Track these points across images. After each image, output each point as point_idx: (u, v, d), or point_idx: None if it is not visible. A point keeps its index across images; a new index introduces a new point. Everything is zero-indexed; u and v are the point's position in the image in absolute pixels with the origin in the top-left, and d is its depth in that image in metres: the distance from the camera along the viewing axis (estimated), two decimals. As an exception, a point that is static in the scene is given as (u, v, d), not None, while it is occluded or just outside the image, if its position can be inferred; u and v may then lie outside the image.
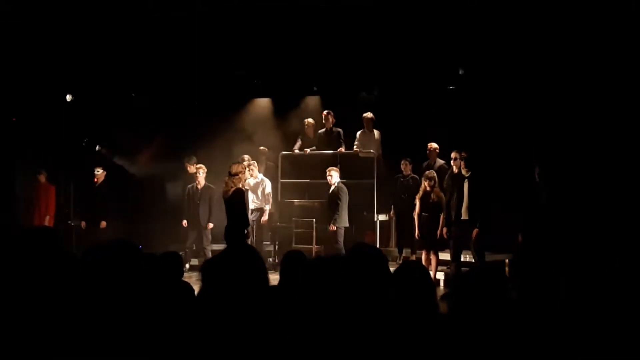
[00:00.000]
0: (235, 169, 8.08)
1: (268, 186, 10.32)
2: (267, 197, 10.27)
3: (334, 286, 2.70)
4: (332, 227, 9.40)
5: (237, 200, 7.92)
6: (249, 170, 10.12)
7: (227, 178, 8.09)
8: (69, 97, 11.30)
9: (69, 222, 10.94)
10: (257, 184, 10.26)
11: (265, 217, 10.23)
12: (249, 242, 9.54)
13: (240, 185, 8.07)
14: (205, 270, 2.31)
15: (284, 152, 11.12)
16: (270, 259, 10.17)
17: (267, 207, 10.26)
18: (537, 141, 9.13)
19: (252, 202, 10.14)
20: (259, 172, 10.93)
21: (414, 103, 10.63)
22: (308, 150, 10.78)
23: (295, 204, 10.65)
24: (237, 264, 2.27)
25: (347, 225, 9.58)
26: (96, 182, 10.53)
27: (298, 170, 10.88)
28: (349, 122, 10.97)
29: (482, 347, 2.39)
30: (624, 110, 8.64)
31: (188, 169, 10.88)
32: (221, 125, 11.89)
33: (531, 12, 8.84)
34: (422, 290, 2.82)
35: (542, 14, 8.77)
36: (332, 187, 9.56)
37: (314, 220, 10.03)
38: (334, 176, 9.57)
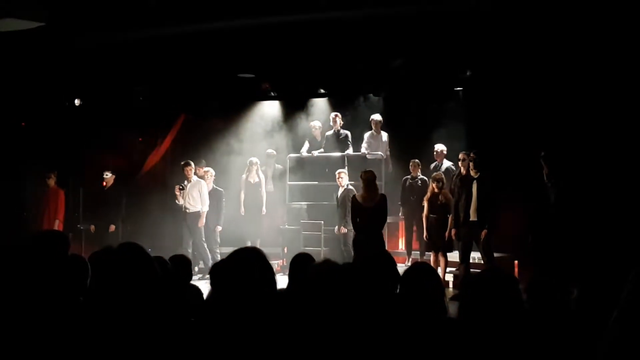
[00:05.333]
0: (370, 175, 7.97)
1: (204, 188, 10.31)
2: (203, 199, 10.24)
3: (343, 288, 2.70)
4: (343, 230, 9.39)
5: (384, 207, 7.88)
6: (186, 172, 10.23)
7: (364, 186, 7.90)
8: (77, 102, 11.36)
9: (78, 226, 10.99)
10: (193, 186, 10.26)
11: (203, 220, 10.20)
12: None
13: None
14: (214, 273, 2.32)
15: (291, 155, 11.13)
16: (278, 262, 10.17)
17: (205, 209, 10.23)
18: (545, 142, 9.09)
19: (189, 204, 10.15)
20: (265, 174, 10.98)
21: (422, 105, 10.64)
22: (316, 152, 10.79)
23: (303, 206, 10.65)
24: (245, 267, 2.28)
25: (356, 227, 9.57)
26: (105, 185, 10.57)
27: (306, 172, 10.89)
28: (356, 125, 10.97)
29: (493, 350, 2.38)
30: (633, 109, 8.60)
31: (197, 172, 10.92)
32: (229, 128, 11.94)
33: (540, 13, 8.80)
34: (432, 292, 2.81)
35: (552, 15, 8.73)
36: (342, 190, 9.55)
37: (322, 222, 10.03)
38: (344, 178, 9.57)
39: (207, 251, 10.03)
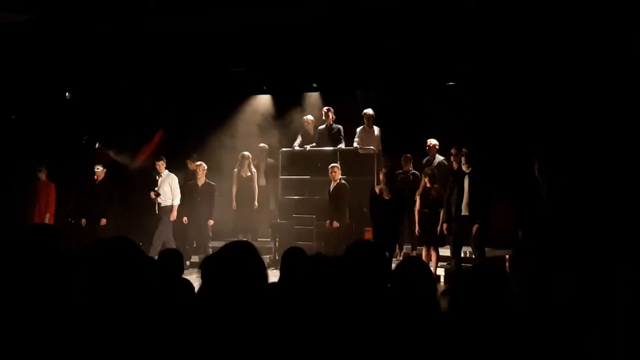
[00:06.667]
0: (389, 169, 8.56)
1: (175, 181, 10.31)
2: (174, 192, 10.25)
3: (334, 283, 2.70)
4: (336, 224, 9.40)
5: (403, 200, 8.49)
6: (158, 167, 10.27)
7: (384, 179, 8.39)
8: (68, 95, 11.30)
9: (69, 219, 10.93)
10: (164, 180, 10.26)
11: (174, 213, 10.21)
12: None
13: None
14: (205, 267, 2.31)
15: (284, 149, 11.11)
16: (270, 256, 10.18)
17: (176, 203, 10.25)
18: (537, 137, 9.13)
19: (160, 199, 10.16)
20: (258, 169, 10.97)
21: (415, 99, 10.65)
22: (308, 147, 10.77)
23: (296, 200, 10.65)
24: (236, 261, 2.27)
25: (349, 222, 9.59)
26: (96, 179, 10.52)
27: (298, 167, 10.88)
28: (349, 119, 10.96)
29: (484, 343, 2.39)
30: (624, 106, 8.64)
31: (189, 166, 10.89)
32: (222, 123, 11.91)
33: (531, 11, 8.83)
34: (423, 286, 2.82)
35: (542, 13, 8.76)
36: (335, 184, 9.56)
37: (314, 216, 10.03)
38: (337, 172, 9.58)
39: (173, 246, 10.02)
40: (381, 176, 8.54)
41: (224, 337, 2.14)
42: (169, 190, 10.20)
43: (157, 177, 10.29)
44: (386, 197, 8.34)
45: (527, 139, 9.20)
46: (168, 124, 12.12)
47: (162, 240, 9.93)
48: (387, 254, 7.98)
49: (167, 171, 10.34)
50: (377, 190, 8.52)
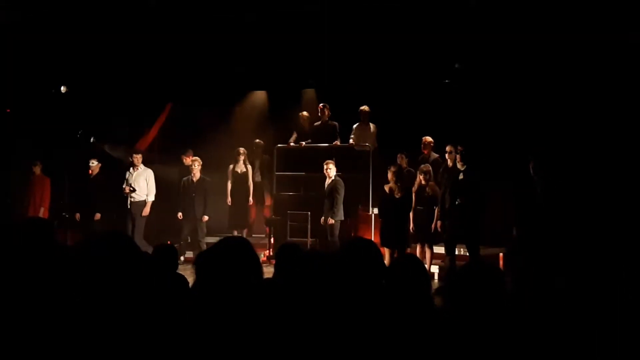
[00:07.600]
0: (398, 168, 8.76)
1: (151, 177, 10.30)
2: (150, 188, 10.23)
3: (329, 279, 2.70)
4: (331, 221, 9.39)
5: (410, 198, 8.70)
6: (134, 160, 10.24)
7: (394, 178, 8.56)
8: (63, 89, 11.26)
9: (64, 213, 10.91)
10: (140, 174, 10.24)
11: (147, 209, 10.19)
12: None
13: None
14: (199, 262, 2.31)
15: (279, 145, 11.08)
16: (265, 252, 10.17)
17: (150, 199, 10.23)
18: (532, 135, 9.15)
19: (136, 194, 10.13)
20: (253, 165, 10.95)
21: (411, 96, 10.64)
22: (303, 143, 10.75)
23: (291, 196, 10.64)
24: (231, 256, 2.27)
25: (343, 218, 9.59)
26: (91, 174, 10.49)
27: (293, 163, 10.85)
28: (344, 115, 10.94)
29: (477, 341, 2.39)
30: (619, 103, 8.66)
31: (184, 161, 10.86)
32: (217, 118, 11.89)
33: (530, 11, 8.85)
34: (418, 284, 2.82)
35: (541, 13, 8.78)
36: (330, 181, 9.55)
37: (309, 213, 10.02)
38: (332, 169, 9.57)
39: (147, 246, 9.98)
40: (389, 175, 8.63)
41: (219, 332, 2.13)
42: (144, 185, 10.17)
43: (129, 170, 10.26)
44: (397, 196, 8.52)
45: (522, 137, 9.22)
46: (163, 118, 12.11)
47: (140, 238, 9.84)
48: (395, 250, 8.15)
49: (143, 166, 10.33)
50: (386, 189, 8.66)
